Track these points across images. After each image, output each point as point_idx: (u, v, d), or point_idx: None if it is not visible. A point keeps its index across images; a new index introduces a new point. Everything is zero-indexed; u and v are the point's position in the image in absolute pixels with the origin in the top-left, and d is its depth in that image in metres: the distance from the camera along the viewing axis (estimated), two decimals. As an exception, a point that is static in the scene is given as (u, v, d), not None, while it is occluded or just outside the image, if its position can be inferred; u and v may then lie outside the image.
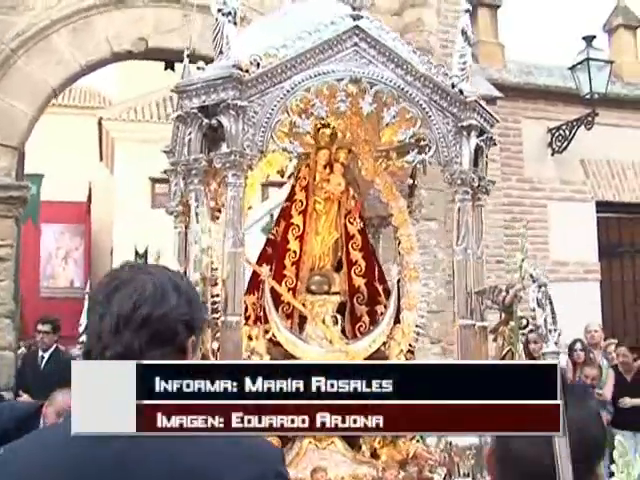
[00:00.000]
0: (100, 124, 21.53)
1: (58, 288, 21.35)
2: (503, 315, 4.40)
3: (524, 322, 4.34)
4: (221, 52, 4.16)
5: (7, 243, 8.68)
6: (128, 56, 9.60)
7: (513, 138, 11.63)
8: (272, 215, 9.89)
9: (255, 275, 4.77)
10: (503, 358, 4.34)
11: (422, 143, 4.55)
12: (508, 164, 11.48)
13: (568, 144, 11.61)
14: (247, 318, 4.50)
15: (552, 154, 11.81)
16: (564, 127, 11.60)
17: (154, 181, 18.85)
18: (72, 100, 22.84)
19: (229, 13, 4.17)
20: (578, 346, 9.09)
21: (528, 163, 11.74)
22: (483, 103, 4.72)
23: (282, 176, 5.26)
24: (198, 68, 4.44)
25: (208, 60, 4.39)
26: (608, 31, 13.32)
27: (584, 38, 11.04)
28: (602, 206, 12.30)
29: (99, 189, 22.02)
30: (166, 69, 10.34)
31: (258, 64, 4.11)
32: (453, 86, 4.49)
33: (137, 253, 19.42)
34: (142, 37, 9.34)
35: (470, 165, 4.43)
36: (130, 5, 9.27)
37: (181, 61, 5.16)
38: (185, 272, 4.31)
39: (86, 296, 9.20)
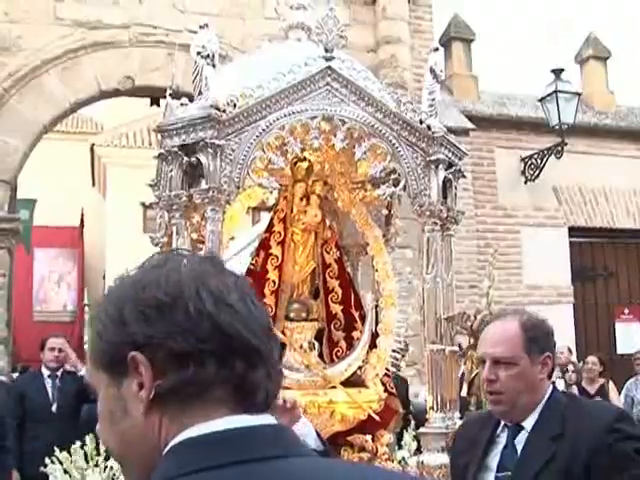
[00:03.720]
0: (92, 150, 21.79)
1: (51, 312, 21.47)
2: (472, 340, 4.60)
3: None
4: (200, 93, 4.39)
5: (0, 273, 8.98)
6: (115, 93, 10.00)
7: (487, 167, 11.94)
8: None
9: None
10: (472, 381, 4.55)
11: (393, 176, 4.78)
12: (482, 192, 11.78)
13: (540, 172, 11.94)
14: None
15: (525, 182, 12.14)
16: (536, 156, 11.93)
17: (145, 206, 19.06)
18: (64, 126, 23.10)
19: (207, 56, 4.41)
20: None
21: (501, 191, 12.05)
22: (451, 137, 4.94)
23: (265, 206, 5.49)
24: (181, 104, 4.67)
25: (191, 97, 4.61)
26: (579, 62, 13.71)
27: (553, 71, 11.39)
28: (575, 231, 12.62)
29: (91, 214, 22.30)
30: (152, 105, 10.74)
31: (235, 104, 4.32)
32: (421, 122, 4.70)
33: (130, 278, 19.61)
34: (128, 75, 9.72)
35: (439, 197, 4.64)
36: (117, 45, 9.65)
37: (165, 97, 5.41)
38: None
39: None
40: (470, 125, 11.28)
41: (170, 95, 5.04)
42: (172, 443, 1.23)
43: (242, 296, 1.30)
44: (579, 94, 11.73)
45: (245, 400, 1.27)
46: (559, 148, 11.53)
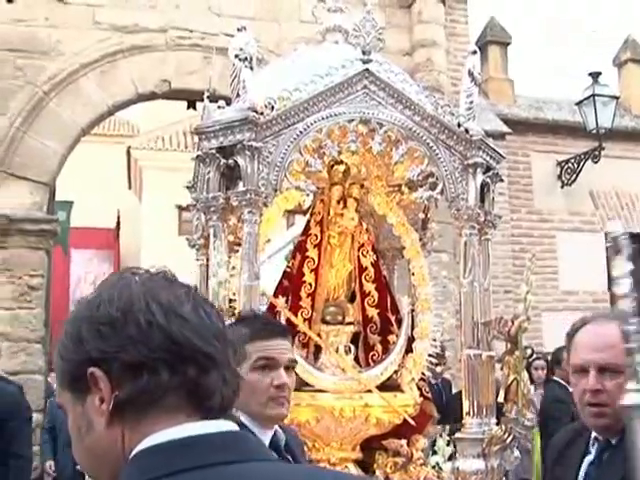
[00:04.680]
0: (128, 153, 21.95)
1: (88, 313, 21.60)
2: (509, 345, 4.56)
3: (529, 351, 4.50)
4: (238, 95, 4.40)
5: (38, 273, 9.13)
6: (152, 96, 10.09)
7: (522, 171, 11.86)
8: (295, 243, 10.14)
9: (272, 306, 4.96)
10: (509, 387, 4.50)
11: (431, 180, 4.75)
12: (517, 196, 11.70)
13: (577, 176, 11.83)
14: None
15: (561, 186, 12.03)
16: (573, 160, 11.82)
17: (181, 209, 19.16)
18: (101, 129, 23.33)
19: (245, 58, 4.41)
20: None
21: (537, 195, 11.96)
22: (489, 141, 4.90)
23: (301, 209, 5.49)
24: (219, 107, 4.68)
25: (228, 100, 4.62)
26: (617, 65, 13.58)
27: (590, 74, 11.29)
28: (612, 237, 12.47)
29: (127, 216, 22.47)
30: (188, 108, 10.78)
31: (272, 107, 4.33)
32: (459, 125, 4.68)
33: (165, 280, 19.75)
34: (165, 79, 9.80)
35: (476, 201, 4.61)
36: (153, 49, 9.74)
37: (202, 100, 5.44)
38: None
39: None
40: (506, 129, 11.21)
41: (207, 98, 5.07)
42: (134, 452, 1.28)
43: (194, 306, 1.36)
44: (617, 97, 11.61)
45: (201, 405, 1.32)
46: (596, 152, 11.43)
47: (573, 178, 11.86)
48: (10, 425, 6.13)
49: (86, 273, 22.09)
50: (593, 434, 2.72)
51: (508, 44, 12.44)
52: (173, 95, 10.30)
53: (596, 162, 11.51)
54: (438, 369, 7.55)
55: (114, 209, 22.15)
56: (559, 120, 12.21)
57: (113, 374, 1.29)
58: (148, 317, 1.32)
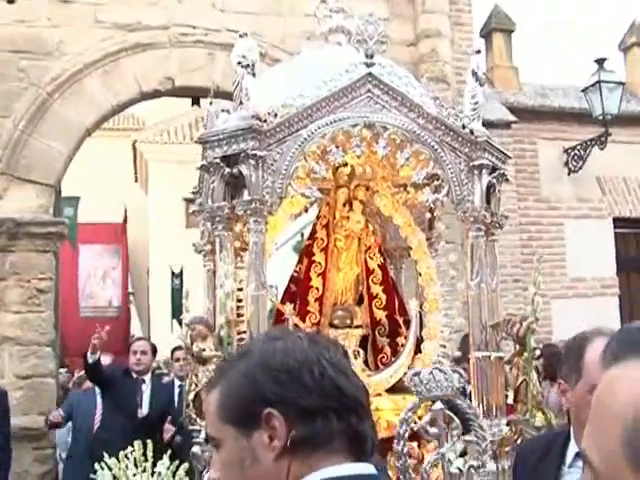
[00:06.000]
0: (134, 146, 21.96)
1: (97, 307, 21.77)
2: (517, 346, 4.56)
3: (537, 352, 4.50)
4: (241, 103, 4.39)
5: (47, 276, 9.10)
6: (156, 94, 10.03)
7: (529, 159, 11.81)
8: (302, 234, 10.13)
9: (280, 313, 4.97)
10: (518, 388, 4.50)
11: (436, 182, 4.74)
12: (524, 185, 11.64)
13: (584, 163, 11.77)
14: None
15: (568, 173, 11.97)
16: (579, 147, 11.76)
17: (188, 201, 19.19)
18: (107, 123, 23.25)
19: (248, 65, 4.40)
20: None
21: (544, 183, 11.90)
22: (494, 141, 4.87)
23: (307, 211, 5.48)
24: (222, 110, 4.66)
25: (232, 96, 4.56)
26: (623, 49, 13.48)
27: (596, 60, 11.21)
28: (619, 222, 12.44)
29: (134, 210, 22.54)
30: (193, 105, 10.77)
31: (276, 114, 4.31)
32: (464, 127, 4.66)
33: (173, 273, 19.81)
34: (169, 76, 9.75)
35: (482, 202, 4.59)
36: (156, 47, 9.67)
37: (206, 97, 5.44)
38: (214, 311, 4.54)
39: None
40: (512, 117, 11.15)
41: (210, 104, 5.05)
42: None
43: (346, 364, 1.61)
44: (623, 84, 11.53)
45: (358, 449, 1.55)
46: (602, 139, 11.36)
47: (580, 165, 11.79)
48: None
49: (95, 268, 22.17)
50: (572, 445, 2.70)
51: (512, 31, 12.35)
52: (177, 92, 10.26)
53: (602, 148, 11.44)
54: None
55: (121, 203, 22.19)
56: (565, 107, 12.12)
57: (289, 416, 1.49)
58: (321, 369, 1.53)
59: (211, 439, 1.61)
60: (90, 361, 7.54)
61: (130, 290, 22.62)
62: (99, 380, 7.86)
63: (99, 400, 8.05)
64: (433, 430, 3.89)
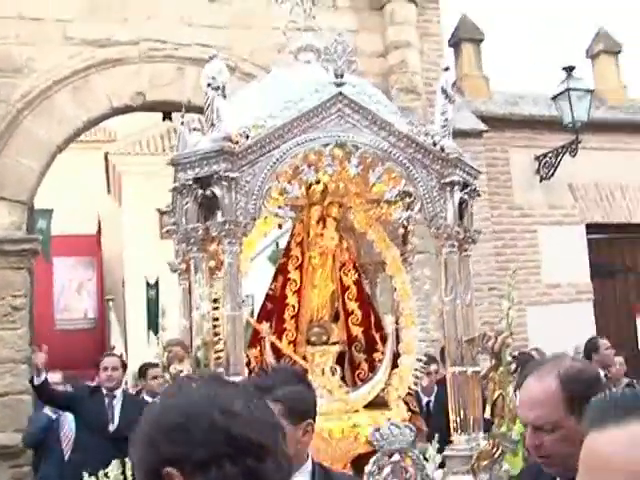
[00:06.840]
0: (106, 158, 21.87)
1: (73, 320, 21.60)
2: (493, 361, 4.59)
3: (513, 367, 4.53)
4: (212, 124, 4.39)
5: (21, 293, 9.07)
6: (128, 109, 10.00)
7: (501, 167, 11.89)
8: (277, 244, 10.12)
9: (257, 330, 4.97)
10: (494, 402, 4.53)
11: (409, 200, 4.77)
12: (497, 193, 11.73)
13: (555, 170, 11.87)
14: (251, 371, 4.67)
15: (540, 180, 12.07)
16: (550, 154, 11.86)
17: (161, 213, 19.12)
18: (78, 135, 23.09)
19: (218, 87, 4.40)
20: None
21: (517, 191, 12.00)
22: (465, 156, 4.91)
23: (280, 227, 5.49)
24: (194, 129, 4.65)
25: (202, 110, 4.56)
26: (591, 57, 13.64)
27: (564, 68, 11.32)
28: (592, 228, 12.55)
29: (108, 221, 22.40)
30: (164, 119, 10.72)
31: (247, 136, 4.32)
32: (435, 144, 4.69)
33: (148, 284, 19.76)
34: (140, 91, 9.74)
35: (455, 219, 4.63)
36: (126, 62, 9.66)
37: (179, 111, 5.43)
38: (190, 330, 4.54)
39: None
40: (483, 126, 11.23)
41: (182, 124, 5.04)
42: None
43: (246, 401, 1.59)
44: (592, 91, 11.65)
45: None
46: (573, 146, 11.46)
47: (552, 172, 11.89)
48: None
49: (70, 280, 22.02)
50: None
51: (481, 41, 12.45)
52: (148, 107, 10.22)
53: (574, 155, 11.54)
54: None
55: (94, 215, 22.06)
56: (535, 115, 12.23)
57: (186, 471, 1.52)
58: (210, 421, 1.54)
59: None
60: (36, 383, 7.34)
61: (109, 297, 22.50)
62: (52, 401, 7.71)
63: (68, 421, 7.91)
64: None
